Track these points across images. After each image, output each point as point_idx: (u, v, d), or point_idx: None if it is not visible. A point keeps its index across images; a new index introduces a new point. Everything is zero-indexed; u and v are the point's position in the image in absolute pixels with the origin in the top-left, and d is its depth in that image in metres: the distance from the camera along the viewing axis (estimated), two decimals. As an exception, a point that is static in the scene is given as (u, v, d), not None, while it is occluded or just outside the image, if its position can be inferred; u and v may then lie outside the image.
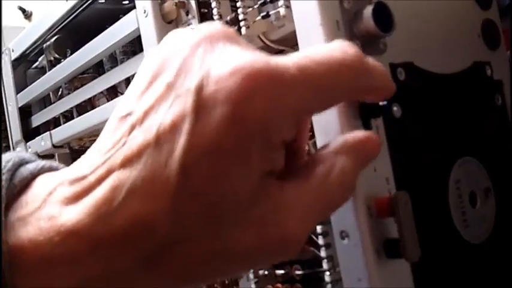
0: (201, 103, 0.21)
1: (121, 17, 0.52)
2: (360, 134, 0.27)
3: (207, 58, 0.22)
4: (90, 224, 0.21)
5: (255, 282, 0.43)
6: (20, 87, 0.74)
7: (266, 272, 0.42)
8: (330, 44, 0.26)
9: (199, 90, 0.21)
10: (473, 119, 0.41)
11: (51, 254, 0.21)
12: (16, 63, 0.75)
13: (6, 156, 0.24)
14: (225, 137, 0.21)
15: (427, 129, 0.38)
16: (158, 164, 0.21)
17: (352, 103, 0.32)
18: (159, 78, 0.23)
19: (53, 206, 0.22)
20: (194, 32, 0.24)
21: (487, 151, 0.42)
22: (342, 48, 0.25)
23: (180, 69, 0.22)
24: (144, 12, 0.48)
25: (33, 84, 0.71)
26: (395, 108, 0.36)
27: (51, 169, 0.25)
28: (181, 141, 0.21)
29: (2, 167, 0.24)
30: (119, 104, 0.24)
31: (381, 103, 0.35)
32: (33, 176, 0.24)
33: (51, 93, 0.71)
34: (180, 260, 0.22)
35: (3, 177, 0.23)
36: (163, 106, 0.22)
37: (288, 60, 0.23)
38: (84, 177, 0.22)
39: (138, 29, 0.49)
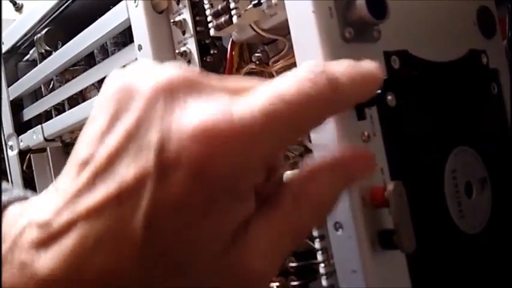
0: (163, 162, 0.21)
1: (111, 8, 0.52)
2: (349, 150, 0.27)
3: (167, 111, 0.22)
4: (61, 274, 0.21)
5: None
6: (11, 80, 0.73)
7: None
8: (299, 72, 0.24)
9: (161, 147, 0.21)
10: (469, 108, 0.41)
11: None
12: (7, 55, 0.74)
13: None
14: (190, 194, 0.21)
15: (422, 118, 0.37)
16: (122, 220, 0.21)
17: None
18: (119, 120, 0.22)
19: (23, 251, 0.22)
20: (158, 73, 0.23)
21: (483, 140, 0.41)
22: (311, 77, 0.24)
23: (140, 118, 0.22)
24: (135, 2, 0.47)
25: (25, 77, 0.70)
26: (389, 97, 0.35)
27: (21, 198, 0.25)
28: (146, 197, 0.21)
29: None
30: (79, 143, 0.23)
31: (375, 92, 0.35)
32: (5, 206, 0.24)
33: (42, 86, 0.70)
34: None
35: None
36: (124, 157, 0.21)
37: (254, 107, 0.22)
38: (49, 223, 0.22)
39: (128, 20, 0.49)
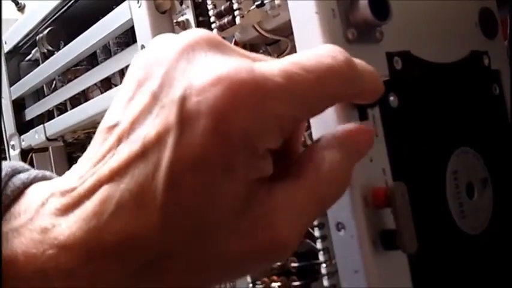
0: (185, 115, 0.21)
1: (114, 8, 0.52)
2: (350, 125, 0.27)
3: (189, 67, 0.22)
4: (81, 238, 0.21)
5: (251, 275, 0.43)
6: (13, 80, 0.73)
7: (262, 265, 0.42)
8: (318, 49, 0.25)
9: (183, 101, 0.21)
10: (470, 109, 0.41)
11: (44, 268, 0.21)
12: (9, 55, 0.74)
13: None
14: (210, 149, 0.21)
15: (424, 119, 0.37)
16: (145, 177, 0.21)
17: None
18: (143, 86, 0.23)
19: (45, 217, 0.22)
20: (178, 38, 0.24)
21: (484, 141, 0.41)
22: (331, 54, 0.25)
23: (164, 79, 0.22)
24: (138, 2, 0.47)
25: (27, 76, 0.70)
26: (391, 98, 0.35)
27: (43, 178, 0.25)
28: (167, 154, 0.21)
29: None
30: (107, 112, 0.24)
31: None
32: (25, 186, 0.24)
33: (44, 86, 0.70)
34: (171, 272, 0.22)
35: None
36: (148, 117, 0.22)
37: (274, 67, 0.23)
38: (73, 189, 0.22)
39: (131, 20, 0.49)
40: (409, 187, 0.32)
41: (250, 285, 0.43)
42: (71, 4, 0.61)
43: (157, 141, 0.21)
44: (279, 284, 0.41)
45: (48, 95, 0.69)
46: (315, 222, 0.37)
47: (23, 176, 0.25)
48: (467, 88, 0.41)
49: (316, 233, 0.37)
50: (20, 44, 0.72)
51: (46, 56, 0.67)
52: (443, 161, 0.38)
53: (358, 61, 0.26)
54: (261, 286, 0.43)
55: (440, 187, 0.37)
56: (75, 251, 0.21)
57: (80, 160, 0.24)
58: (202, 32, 0.24)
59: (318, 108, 0.25)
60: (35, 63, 0.72)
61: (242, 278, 0.48)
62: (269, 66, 0.23)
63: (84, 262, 0.21)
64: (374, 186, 0.33)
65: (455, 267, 0.37)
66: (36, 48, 0.69)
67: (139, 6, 0.47)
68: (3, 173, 0.24)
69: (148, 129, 0.21)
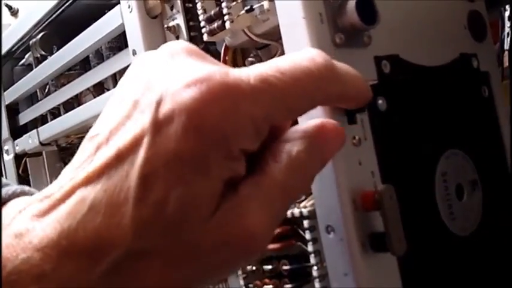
0: (160, 117, 0.21)
1: (106, 13, 0.52)
2: (315, 121, 0.27)
3: (167, 74, 0.23)
4: (54, 239, 0.21)
5: (243, 278, 0.43)
6: (6, 84, 0.73)
7: (254, 268, 0.42)
8: (298, 53, 0.26)
9: (158, 103, 0.22)
10: (460, 111, 0.41)
11: (17, 271, 0.21)
12: (3, 60, 0.74)
13: None
14: (183, 146, 0.21)
15: (413, 122, 0.38)
16: (120, 178, 0.21)
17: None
18: (126, 98, 0.24)
19: (21, 223, 0.22)
20: (158, 51, 0.25)
21: (473, 143, 0.41)
22: (309, 57, 0.25)
23: (145, 87, 0.23)
24: (129, 7, 0.47)
25: (20, 81, 0.70)
26: (380, 102, 0.35)
27: (23, 193, 0.26)
28: (141, 154, 0.21)
29: None
30: (93, 126, 0.25)
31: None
32: (4, 201, 0.25)
33: (38, 91, 0.70)
34: (145, 271, 0.22)
35: None
36: (127, 123, 0.22)
37: (250, 72, 0.23)
38: (51, 195, 0.22)
39: (122, 25, 0.49)
40: (398, 190, 0.33)
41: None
42: (64, 9, 0.61)
43: (134, 144, 0.22)
44: (271, 286, 0.41)
45: (41, 99, 0.69)
46: (306, 225, 0.38)
47: (3, 191, 0.25)
48: (457, 91, 0.42)
49: (307, 235, 0.37)
50: (14, 49, 0.72)
51: (39, 61, 0.67)
52: (433, 163, 0.38)
53: (341, 65, 0.27)
54: (253, 289, 0.43)
55: (429, 189, 0.37)
56: (48, 253, 0.21)
57: (62, 171, 0.24)
58: (182, 43, 0.25)
59: (296, 109, 0.25)
60: (29, 67, 0.72)
61: (233, 279, 0.48)
62: (245, 71, 0.23)
63: (55, 264, 0.21)
64: (363, 189, 0.33)
65: (445, 268, 0.37)
66: (30, 52, 0.69)
67: (130, 11, 0.47)
68: None
69: (125, 134, 0.22)
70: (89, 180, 0.22)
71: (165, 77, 0.23)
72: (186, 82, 0.22)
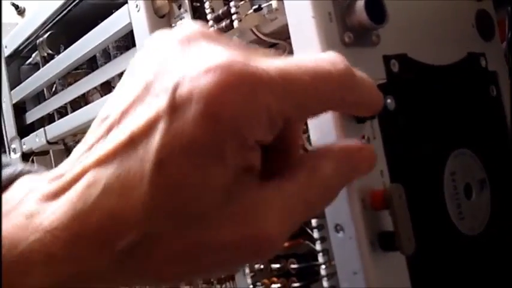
0: (177, 102, 0.21)
1: (114, 12, 0.52)
2: (351, 141, 0.27)
3: (184, 58, 0.22)
4: (66, 222, 0.21)
5: (251, 277, 0.43)
6: (14, 83, 0.73)
7: (261, 266, 0.42)
8: (320, 54, 0.26)
9: (175, 88, 0.21)
10: (468, 111, 0.41)
11: (27, 251, 0.21)
12: (9, 59, 0.74)
13: None
14: (200, 133, 0.21)
15: (422, 121, 0.38)
16: (133, 162, 0.21)
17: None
18: (137, 79, 0.23)
19: (31, 203, 0.22)
20: (174, 32, 0.24)
21: (482, 143, 0.41)
22: (331, 60, 0.25)
23: (158, 70, 0.22)
24: (136, 6, 0.48)
25: (27, 80, 0.70)
26: (389, 101, 0.35)
27: (30, 172, 0.26)
28: (157, 138, 0.21)
29: None
30: (103, 107, 0.24)
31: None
32: (11, 180, 0.24)
33: (45, 90, 0.70)
34: (154, 257, 0.22)
35: None
36: (139, 107, 0.22)
37: (271, 64, 0.23)
38: (61, 176, 0.22)
39: (130, 24, 0.49)
40: (407, 189, 0.33)
41: (251, 286, 0.44)
42: (71, 8, 0.61)
43: (148, 128, 0.21)
44: (279, 285, 0.41)
45: (48, 98, 0.69)
46: (314, 224, 0.38)
47: (9, 170, 0.25)
48: (465, 90, 0.41)
49: (316, 234, 0.37)
50: (21, 48, 0.72)
51: (46, 60, 0.67)
52: (441, 162, 0.38)
53: (359, 73, 0.26)
54: (261, 287, 0.43)
55: (438, 188, 0.37)
56: (58, 236, 0.21)
57: (72, 152, 0.24)
58: (197, 25, 0.24)
59: (311, 110, 0.25)
60: (36, 66, 0.72)
61: (241, 278, 0.48)
62: (266, 62, 0.23)
63: (67, 246, 0.21)
64: (372, 188, 0.33)
65: (454, 268, 0.37)
66: (37, 52, 0.69)
67: (138, 11, 0.47)
68: None
69: (138, 118, 0.22)
70: (101, 162, 0.21)
71: (182, 61, 0.22)
72: (205, 67, 0.21)
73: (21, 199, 0.22)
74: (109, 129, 0.22)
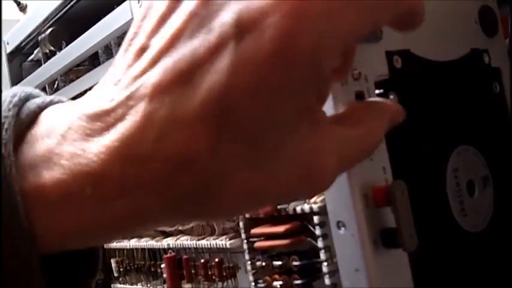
0: (243, 35, 0.18)
1: (115, 8, 0.52)
2: (384, 100, 0.29)
3: None
4: (120, 165, 0.19)
5: (253, 274, 0.43)
6: (15, 80, 0.73)
7: (263, 264, 0.42)
8: None
9: (240, 21, 0.18)
10: (471, 107, 0.41)
11: (73, 194, 0.19)
12: (11, 56, 0.74)
13: (11, 91, 0.22)
14: (272, 73, 0.19)
15: (424, 117, 0.37)
16: (196, 97, 0.19)
17: (348, 96, 0.32)
18: (175, 11, 0.20)
19: (74, 142, 0.19)
20: None
21: (485, 139, 0.41)
22: None
23: (203, 2, 0.19)
24: (138, 2, 0.47)
25: (29, 76, 0.70)
26: (391, 97, 0.35)
27: (60, 102, 0.23)
28: (223, 73, 0.18)
29: (7, 101, 0.22)
30: (132, 31, 0.21)
31: (377, 91, 0.35)
32: (41, 109, 0.22)
33: (47, 86, 0.70)
34: (212, 198, 0.20)
35: (10, 113, 0.22)
36: (195, 35, 0.19)
37: None
38: (103, 111, 0.19)
39: (132, 20, 0.49)
40: (409, 185, 0.32)
41: (253, 283, 0.43)
42: (73, 4, 0.61)
43: (210, 56, 0.19)
44: (280, 282, 0.41)
45: (50, 95, 0.69)
46: (316, 221, 0.38)
47: (38, 100, 0.22)
48: (468, 86, 0.41)
49: (317, 231, 0.37)
50: (22, 45, 0.72)
51: (48, 56, 0.67)
52: (444, 159, 0.38)
53: None
54: (263, 285, 0.43)
55: (440, 185, 0.37)
56: (111, 180, 0.19)
57: (99, 85, 0.21)
58: None
59: (375, 23, 0.23)
60: (37, 63, 0.72)
61: (243, 275, 0.48)
62: None
63: (120, 193, 0.19)
64: (374, 184, 0.33)
65: (456, 264, 0.37)
66: (38, 48, 0.69)
67: (140, 6, 0.47)
68: (16, 98, 0.21)
69: (198, 44, 0.19)
70: (155, 93, 0.19)
71: None
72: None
73: (61, 137, 0.20)
74: (154, 61, 0.19)
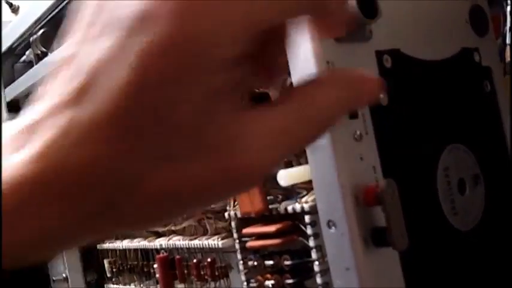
0: (136, 32, 0.19)
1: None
2: (353, 70, 0.25)
3: None
4: (41, 174, 0.19)
5: (245, 274, 0.43)
6: (7, 81, 0.73)
7: (255, 263, 0.42)
8: None
9: (132, 19, 0.19)
10: (461, 106, 0.41)
11: (16, 204, 0.20)
12: (3, 57, 0.74)
13: None
14: (166, 65, 0.19)
15: (415, 116, 0.37)
16: (99, 100, 0.19)
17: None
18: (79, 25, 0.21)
19: (6, 156, 0.21)
20: None
21: (475, 138, 0.41)
22: None
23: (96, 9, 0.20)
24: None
25: (21, 78, 0.70)
26: (382, 96, 0.35)
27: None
28: (121, 74, 0.19)
29: None
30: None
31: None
32: None
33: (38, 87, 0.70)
34: (130, 201, 0.21)
35: None
36: (93, 41, 0.20)
37: None
38: (34, 123, 0.20)
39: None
40: (400, 184, 0.33)
41: (245, 283, 0.43)
42: (64, 6, 0.61)
43: (108, 63, 0.19)
44: (272, 281, 0.41)
45: (42, 96, 0.69)
46: (307, 220, 0.38)
47: None
48: (458, 85, 0.41)
49: (309, 230, 0.37)
50: (14, 46, 0.72)
51: (40, 58, 0.67)
52: (435, 157, 0.38)
53: None
54: (255, 284, 0.43)
55: (431, 184, 0.37)
56: (34, 192, 0.19)
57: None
58: None
59: (286, 12, 0.23)
60: (29, 64, 0.72)
61: (235, 274, 0.48)
62: None
63: (45, 202, 0.19)
64: (364, 184, 0.33)
65: (447, 263, 0.37)
66: (30, 49, 0.69)
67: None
68: None
69: (93, 52, 0.19)
70: (54, 112, 0.19)
71: None
72: None
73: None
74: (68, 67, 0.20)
